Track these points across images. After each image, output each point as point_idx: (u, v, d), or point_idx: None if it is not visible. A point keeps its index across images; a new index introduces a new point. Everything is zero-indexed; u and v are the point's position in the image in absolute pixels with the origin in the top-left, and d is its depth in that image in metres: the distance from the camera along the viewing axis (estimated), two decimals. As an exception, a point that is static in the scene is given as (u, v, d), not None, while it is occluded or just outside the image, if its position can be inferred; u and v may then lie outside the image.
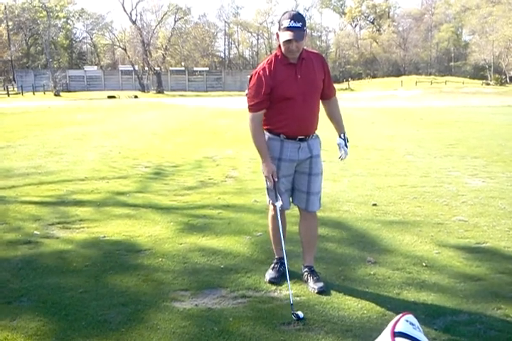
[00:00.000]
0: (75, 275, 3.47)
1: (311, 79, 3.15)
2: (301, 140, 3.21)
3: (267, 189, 3.37)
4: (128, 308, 2.97)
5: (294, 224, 3.89)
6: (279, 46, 3.10)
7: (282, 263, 3.45)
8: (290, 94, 3.11)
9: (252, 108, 3.18)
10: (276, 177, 3.19)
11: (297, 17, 2.97)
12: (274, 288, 3.27)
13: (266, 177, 3.23)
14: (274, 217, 3.39)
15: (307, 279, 3.35)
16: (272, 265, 3.51)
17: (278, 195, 3.25)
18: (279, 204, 3.26)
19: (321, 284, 3.26)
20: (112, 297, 3.12)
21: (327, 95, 3.33)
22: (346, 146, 3.36)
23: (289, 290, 3.12)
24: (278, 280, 3.36)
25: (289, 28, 2.94)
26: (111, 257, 3.82)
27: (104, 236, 4.32)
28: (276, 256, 3.56)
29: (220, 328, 2.74)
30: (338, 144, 3.36)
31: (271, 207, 3.43)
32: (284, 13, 3.03)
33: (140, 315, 2.89)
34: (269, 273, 3.42)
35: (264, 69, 3.12)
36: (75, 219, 4.87)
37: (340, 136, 3.37)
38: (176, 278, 3.42)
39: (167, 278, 3.43)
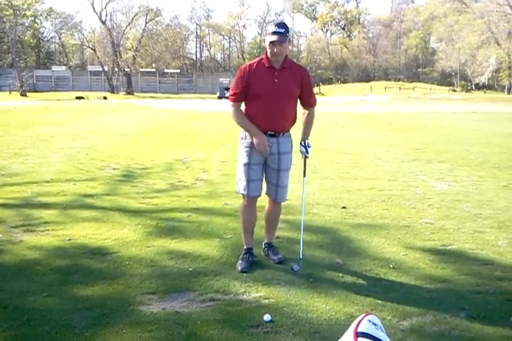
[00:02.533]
0: (38, 279, 3.38)
1: (286, 86, 3.52)
2: (271, 135, 3.57)
3: (241, 172, 3.64)
4: (93, 312, 2.91)
5: (262, 227, 3.94)
6: (266, 52, 3.54)
7: (251, 254, 3.71)
8: (263, 94, 3.50)
9: (232, 98, 3.61)
10: (268, 147, 3.52)
11: (281, 24, 3.45)
12: (242, 290, 3.25)
13: (257, 146, 3.50)
14: (244, 209, 3.72)
15: (267, 253, 3.83)
16: (241, 255, 3.70)
17: (248, 183, 3.58)
18: (245, 191, 3.60)
19: (279, 255, 3.77)
20: (77, 301, 3.05)
21: (304, 104, 3.75)
22: (307, 152, 3.74)
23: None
24: (249, 269, 3.54)
25: (274, 33, 3.40)
26: (76, 260, 3.74)
27: (70, 239, 4.22)
28: (245, 247, 3.77)
29: (187, 332, 2.71)
30: (300, 151, 3.76)
31: (242, 199, 3.73)
32: (271, 22, 3.77)
33: (105, 320, 2.83)
34: (240, 264, 3.60)
35: (247, 66, 3.58)
36: (39, 221, 4.75)
37: (301, 143, 3.73)
38: (143, 281, 3.37)
39: (134, 281, 3.37)
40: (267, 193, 3.75)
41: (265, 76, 3.51)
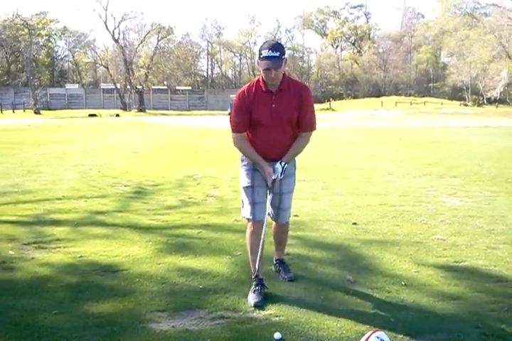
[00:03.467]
0: (49, 296, 3.39)
1: (284, 111, 3.32)
2: (273, 160, 3.38)
3: (242, 202, 3.54)
4: (103, 330, 2.91)
5: (271, 243, 3.92)
6: (262, 75, 3.31)
7: (263, 285, 3.44)
8: (261, 120, 3.34)
9: (234, 128, 3.43)
10: (274, 177, 3.32)
11: (275, 47, 3.19)
12: (252, 308, 3.23)
13: (267, 176, 3.34)
14: (251, 235, 3.49)
15: (278, 270, 3.77)
16: (253, 287, 3.41)
17: (254, 207, 3.43)
18: (250, 215, 3.45)
19: (290, 274, 3.70)
20: (87, 318, 3.05)
21: (298, 126, 3.41)
22: (281, 174, 3.33)
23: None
24: (263, 303, 3.27)
25: (267, 58, 3.15)
26: (87, 277, 3.75)
27: (81, 256, 4.24)
28: (254, 277, 3.49)
29: (197, 350, 2.70)
30: (276, 168, 3.34)
31: (248, 224, 3.53)
32: (264, 43, 3.26)
33: (116, 337, 2.83)
34: (253, 297, 3.32)
35: (245, 92, 3.35)
36: (51, 238, 4.78)
37: (280, 162, 3.35)
38: (153, 298, 3.37)
39: (144, 298, 3.37)
40: (268, 214, 3.54)
41: (263, 101, 3.31)
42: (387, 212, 5.93)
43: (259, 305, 3.25)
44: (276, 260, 3.85)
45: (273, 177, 3.33)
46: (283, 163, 3.35)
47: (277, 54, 3.15)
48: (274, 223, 3.77)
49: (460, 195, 7.08)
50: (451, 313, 3.17)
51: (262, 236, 3.42)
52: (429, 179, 8.51)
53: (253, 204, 3.44)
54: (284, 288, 3.57)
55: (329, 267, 4.04)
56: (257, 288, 3.40)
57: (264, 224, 3.38)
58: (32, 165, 10.27)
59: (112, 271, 3.89)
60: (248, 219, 3.49)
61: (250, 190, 3.46)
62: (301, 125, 3.41)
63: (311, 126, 3.44)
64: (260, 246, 3.41)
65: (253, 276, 3.50)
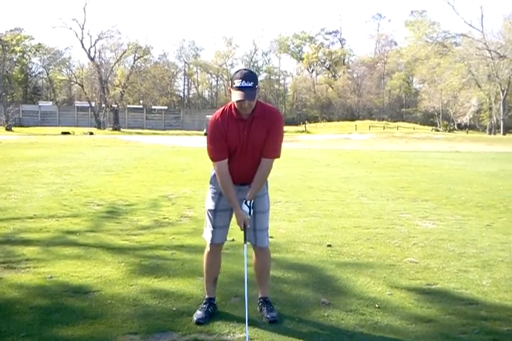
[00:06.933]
0: (17, 318, 3.29)
1: (257, 138, 3.25)
2: (242, 184, 3.38)
3: (206, 222, 3.53)
4: (73, 354, 2.83)
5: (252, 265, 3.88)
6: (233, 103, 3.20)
7: (212, 304, 3.48)
8: (234, 148, 3.27)
9: (214, 157, 3.32)
10: (248, 225, 3.33)
11: (248, 76, 3.09)
12: (227, 331, 3.20)
13: (239, 221, 3.33)
14: (208, 255, 3.54)
15: (261, 309, 3.47)
16: (201, 305, 3.48)
17: (214, 230, 3.44)
18: (208, 237, 3.47)
19: (273, 314, 3.38)
20: (57, 341, 2.97)
21: (262, 152, 3.31)
22: (249, 214, 3.32)
23: (246, 333, 3.06)
24: (205, 320, 3.31)
25: (240, 88, 3.05)
26: (57, 299, 3.66)
27: (51, 277, 4.14)
28: (206, 296, 3.56)
29: (169, 374, 2.64)
30: (244, 211, 3.31)
31: (207, 245, 3.55)
32: (236, 72, 3.16)
33: (85, 361, 2.75)
34: (197, 314, 3.37)
35: (218, 120, 3.25)
36: (20, 258, 4.66)
37: (245, 203, 3.32)
38: (126, 321, 3.30)
39: (116, 321, 3.29)
40: (248, 240, 3.45)
41: (237, 129, 3.23)
42: (361, 235, 5.98)
43: (200, 322, 3.28)
44: (259, 298, 3.56)
45: (245, 219, 3.30)
46: (248, 202, 3.31)
47: (250, 84, 3.06)
48: (253, 256, 3.61)
49: (432, 218, 7.19)
50: (424, 336, 3.19)
51: (220, 261, 3.61)
52: (402, 202, 8.63)
53: (213, 227, 3.45)
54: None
55: (304, 289, 4.03)
56: (204, 306, 3.45)
57: (245, 253, 3.34)
58: (2, 182, 10.05)
59: (83, 293, 3.81)
60: (207, 241, 3.52)
61: (213, 213, 3.46)
62: (266, 150, 3.29)
63: (275, 153, 3.33)
64: (216, 267, 3.57)
65: (206, 297, 3.55)
